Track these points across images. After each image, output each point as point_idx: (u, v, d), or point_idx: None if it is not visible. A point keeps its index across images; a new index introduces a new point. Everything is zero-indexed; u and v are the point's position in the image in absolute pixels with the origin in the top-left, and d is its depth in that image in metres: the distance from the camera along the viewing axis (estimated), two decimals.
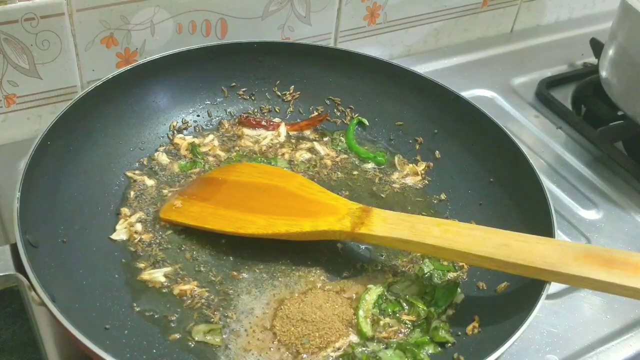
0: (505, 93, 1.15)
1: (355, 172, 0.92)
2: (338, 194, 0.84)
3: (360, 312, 0.74)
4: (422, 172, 0.92)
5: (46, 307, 0.60)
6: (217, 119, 0.96)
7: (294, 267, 0.78)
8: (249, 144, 0.93)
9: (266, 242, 0.78)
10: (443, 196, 0.89)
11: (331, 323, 0.72)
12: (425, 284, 0.78)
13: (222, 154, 0.91)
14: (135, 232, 0.79)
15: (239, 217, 0.79)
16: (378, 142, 0.96)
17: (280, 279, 0.77)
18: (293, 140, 0.95)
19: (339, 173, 0.91)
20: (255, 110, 0.97)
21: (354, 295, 0.76)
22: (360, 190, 0.89)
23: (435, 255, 0.77)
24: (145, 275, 0.75)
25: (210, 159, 0.91)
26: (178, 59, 0.90)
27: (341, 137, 0.96)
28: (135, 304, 0.72)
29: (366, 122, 0.97)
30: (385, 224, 0.74)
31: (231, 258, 0.79)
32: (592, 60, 1.20)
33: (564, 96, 1.15)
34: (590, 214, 0.95)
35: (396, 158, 0.94)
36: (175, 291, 0.74)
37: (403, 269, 0.80)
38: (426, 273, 0.79)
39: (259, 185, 0.83)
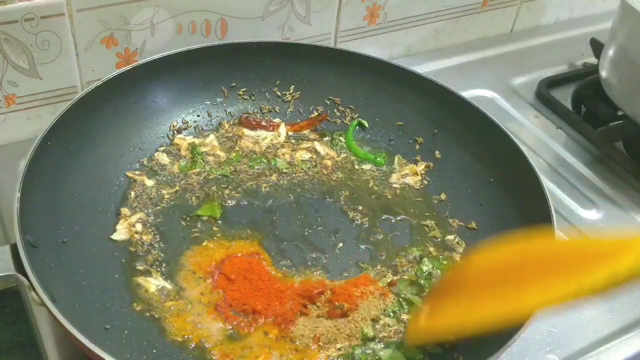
0: (505, 93, 1.15)
1: (355, 172, 0.92)
2: (337, 193, 0.84)
3: None
4: (422, 172, 0.92)
5: (46, 307, 0.60)
6: (217, 119, 0.96)
7: (294, 268, 0.78)
8: (249, 144, 0.93)
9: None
10: (443, 196, 0.89)
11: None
12: (424, 283, 0.78)
13: (222, 154, 0.91)
14: (136, 233, 0.79)
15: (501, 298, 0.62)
16: (378, 143, 0.96)
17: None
18: (293, 141, 0.95)
19: (339, 173, 0.91)
20: (255, 110, 0.97)
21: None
22: (360, 191, 0.89)
23: None
24: (146, 275, 0.75)
25: (210, 159, 0.91)
26: (178, 59, 0.90)
27: (341, 137, 0.96)
28: (135, 304, 0.72)
29: (366, 124, 0.97)
30: None
31: None
32: (592, 60, 1.20)
33: (564, 96, 1.15)
34: (590, 214, 0.95)
35: (396, 159, 0.94)
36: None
37: (403, 268, 0.80)
38: (425, 272, 0.79)
39: (507, 258, 0.65)
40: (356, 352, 0.70)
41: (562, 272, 0.59)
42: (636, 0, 0.97)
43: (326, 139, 0.96)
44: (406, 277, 0.78)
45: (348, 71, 0.97)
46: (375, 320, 0.73)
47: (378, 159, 0.93)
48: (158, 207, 0.83)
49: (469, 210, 0.87)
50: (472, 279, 0.67)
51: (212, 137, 0.93)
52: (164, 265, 0.77)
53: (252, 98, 0.98)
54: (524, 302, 0.60)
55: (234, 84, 0.97)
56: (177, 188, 0.86)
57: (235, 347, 0.70)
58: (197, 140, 0.92)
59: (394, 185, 0.91)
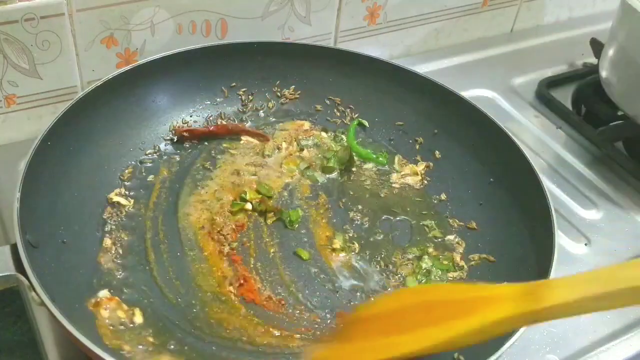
0: (505, 93, 1.15)
1: (355, 172, 0.92)
2: (338, 193, 0.85)
3: None
4: (422, 172, 0.92)
5: (46, 307, 0.60)
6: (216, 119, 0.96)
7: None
8: (250, 140, 0.93)
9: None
10: (443, 196, 0.89)
11: None
12: (420, 279, 0.78)
13: None
14: None
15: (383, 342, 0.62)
16: (378, 142, 0.96)
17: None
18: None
19: None
20: (255, 106, 0.97)
21: None
22: (360, 191, 0.89)
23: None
24: None
25: None
26: (178, 59, 0.90)
27: (342, 135, 0.96)
28: None
29: (366, 124, 0.97)
30: (569, 287, 0.57)
31: None
32: (592, 60, 1.20)
33: (564, 96, 1.15)
34: (590, 214, 0.95)
35: (396, 158, 0.94)
36: None
37: (401, 264, 0.80)
38: (424, 269, 0.79)
39: (402, 307, 0.66)
40: None
41: (430, 321, 0.60)
42: (636, 0, 0.97)
43: (327, 134, 0.96)
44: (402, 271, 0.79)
45: (348, 71, 0.97)
46: None
47: (380, 159, 0.93)
48: None
49: (469, 210, 0.87)
50: (362, 327, 0.66)
51: None
52: None
53: (252, 98, 0.98)
54: (393, 350, 0.60)
55: (234, 84, 0.97)
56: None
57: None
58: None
59: (394, 185, 0.91)
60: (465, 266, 0.80)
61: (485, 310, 0.57)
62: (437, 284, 0.74)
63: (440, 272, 0.79)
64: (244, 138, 0.93)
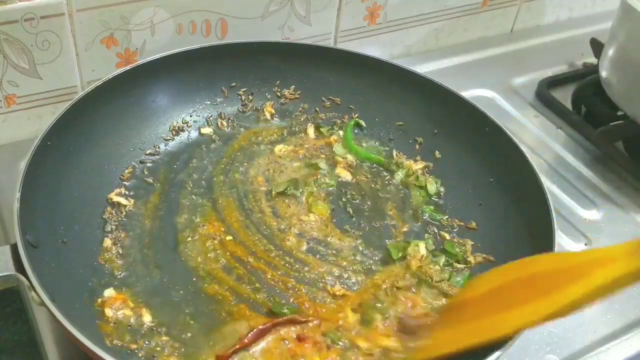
0: (505, 93, 1.15)
1: (353, 172, 0.92)
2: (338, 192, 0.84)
3: None
4: (422, 171, 0.92)
5: (46, 307, 0.61)
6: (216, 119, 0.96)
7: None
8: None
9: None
10: (443, 196, 0.89)
11: None
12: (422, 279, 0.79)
13: None
14: None
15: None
16: (378, 142, 0.96)
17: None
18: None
19: None
20: (255, 106, 0.97)
21: None
22: (360, 190, 0.89)
23: None
24: None
25: None
26: (178, 59, 0.90)
27: (339, 131, 0.96)
28: None
29: (363, 124, 0.97)
30: None
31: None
32: (592, 60, 1.20)
33: (564, 96, 1.15)
34: (590, 214, 0.95)
35: (394, 153, 0.94)
36: None
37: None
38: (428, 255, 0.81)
39: (504, 284, 0.66)
40: None
41: (543, 291, 0.60)
42: (636, 0, 0.98)
43: (326, 129, 0.96)
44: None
45: (348, 71, 0.97)
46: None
47: (379, 158, 0.93)
48: None
49: (469, 210, 0.87)
50: (463, 308, 0.68)
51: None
52: None
53: (252, 98, 0.98)
54: (507, 326, 0.61)
55: (234, 84, 0.97)
56: None
57: None
58: None
59: (394, 184, 0.91)
60: (473, 261, 0.80)
61: (596, 272, 0.57)
62: (535, 256, 0.68)
63: (446, 262, 0.80)
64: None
